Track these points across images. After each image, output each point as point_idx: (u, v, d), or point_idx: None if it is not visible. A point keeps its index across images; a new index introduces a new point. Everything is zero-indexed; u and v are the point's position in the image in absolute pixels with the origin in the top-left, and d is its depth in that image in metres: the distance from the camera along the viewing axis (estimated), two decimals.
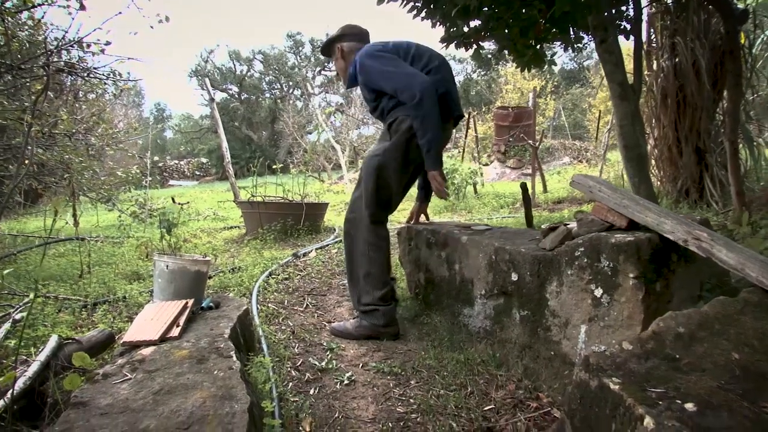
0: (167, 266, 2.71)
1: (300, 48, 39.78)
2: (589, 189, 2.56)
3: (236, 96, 39.27)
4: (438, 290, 3.32)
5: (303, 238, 6.26)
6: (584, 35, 4.62)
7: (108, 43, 4.65)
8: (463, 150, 14.42)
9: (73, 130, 5.30)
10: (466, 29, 4.53)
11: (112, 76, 4.85)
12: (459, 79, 40.08)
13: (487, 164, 13.00)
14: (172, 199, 10.37)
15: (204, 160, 36.68)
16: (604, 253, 2.32)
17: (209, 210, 8.53)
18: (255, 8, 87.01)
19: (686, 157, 5.62)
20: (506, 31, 4.24)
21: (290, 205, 6.43)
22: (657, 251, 2.26)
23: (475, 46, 4.74)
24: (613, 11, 4.19)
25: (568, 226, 2.70)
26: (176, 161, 36.69)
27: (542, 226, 3.52)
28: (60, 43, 4.35)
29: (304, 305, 3.69)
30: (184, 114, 44.51)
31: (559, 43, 4.62)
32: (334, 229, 6.36)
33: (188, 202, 10.82)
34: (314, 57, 39.19)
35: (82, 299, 3.69)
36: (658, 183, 6.02)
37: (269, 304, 3.57)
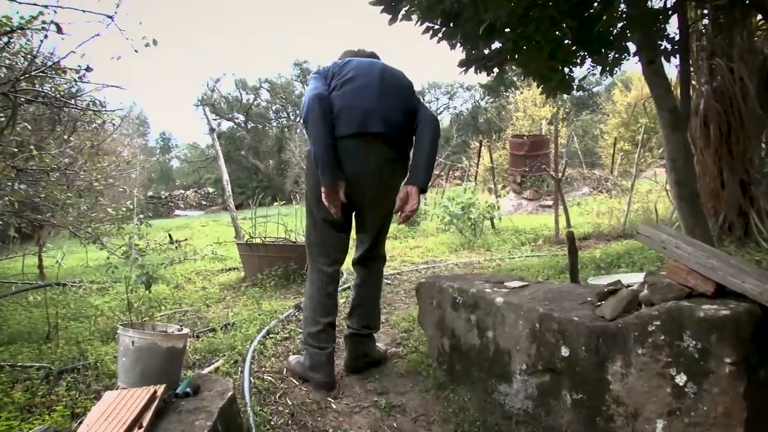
0: (133, 342, 2.19)
1: (307, 76, 39.59)
2: (662, 245, 2.03)
3: (243, 125, 39.10)
4: (466, 360, 2.77)
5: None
6: (619, 56, 4.14)
7: (89, 69, 4.19)
8: (475, 179, 13.95)
9: (52, 166, 4.79)
10: (486, 51, 4.06)
11: (92, 105, 4.40)
12: (467, 106, 39.61)
13: (502, 196, 12.46)
14: (169, 235, 9.86)
15: (210, 189, 36.37)
16: (688, 329, 1.80)
17: (208, 248, 8.02)
18: (255, 8, 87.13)
19: (729, 189, 5.08)
20: (536, 52, 3.75)
21: (293, 247, 5.81)
22: (759, 327, 1.75)
23: (496, 70, 4.27)
24: (655, 28, 3.70)
25: (630, 287, 2.17)
26: (182, 191, 36.35)
27: (589, 280, 2.99)
28: (29, 68, 3.83)
29: None
30: (191, 143, 44.22)
31: (592, 66, 4.13)
32: (342, 274, 5.69)
33: (186, 239, 10.27)
34: None
35: (46, 365, 3.16)
36: None
37: (265, 375, 3.00)
